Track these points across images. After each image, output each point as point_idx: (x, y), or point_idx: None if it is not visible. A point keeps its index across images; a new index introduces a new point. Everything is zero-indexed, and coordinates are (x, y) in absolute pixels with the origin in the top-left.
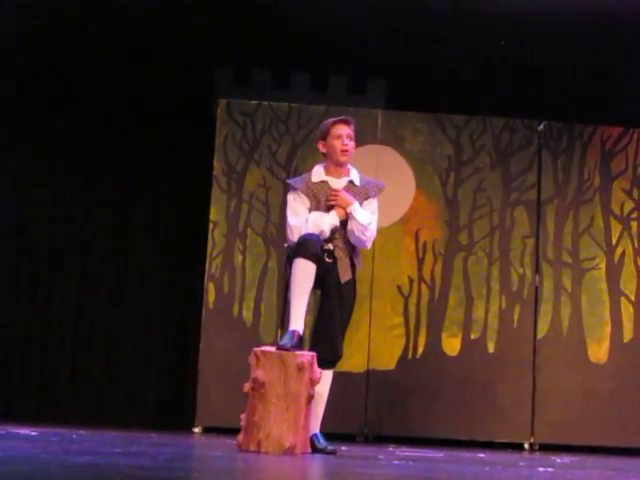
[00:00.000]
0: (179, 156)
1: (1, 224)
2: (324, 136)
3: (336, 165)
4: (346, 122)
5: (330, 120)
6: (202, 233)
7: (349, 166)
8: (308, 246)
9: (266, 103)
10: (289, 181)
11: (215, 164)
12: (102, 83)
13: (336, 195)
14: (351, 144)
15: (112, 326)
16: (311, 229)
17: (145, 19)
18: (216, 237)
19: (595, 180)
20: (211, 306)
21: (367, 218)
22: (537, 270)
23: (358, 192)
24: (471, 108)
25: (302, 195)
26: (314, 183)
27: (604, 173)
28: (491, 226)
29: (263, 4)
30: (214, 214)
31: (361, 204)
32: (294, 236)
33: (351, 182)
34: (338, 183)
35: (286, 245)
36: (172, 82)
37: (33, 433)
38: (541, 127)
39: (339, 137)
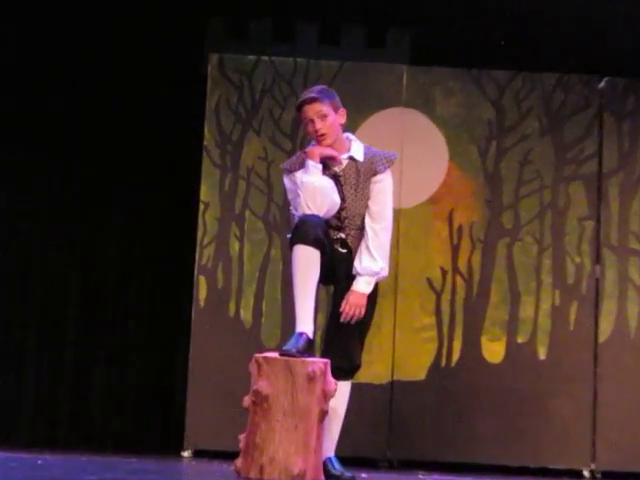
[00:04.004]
0: (162, 124)
1: None
2: (300, 121)
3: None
4: (309, 101)
5: (297, 102)
6: (191, 216)
7: (350, 137)
8: (307, 229)
9: (267, 58)
10: (283, 165)
11: (206, 133)
12: (78, 37)
13: (347, 314)
14: (326, 123)
15: (83, 328)
16: (309, 197)
17: None
18: (208, 221)
19: None
20: (202, 304)
21: (377, 262)
22: (598, 259)
23: (363, 169)
24: (516, 62)
25: (296, 175)
26: None
27: None
28: (541, 206)
29: None
30: (205, 193)
31: (368, 182)
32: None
33: (351, 158)
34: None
35: (289, 235)
36: (154, 34)
37: None
38: (602, 84)
39: (309, 122)
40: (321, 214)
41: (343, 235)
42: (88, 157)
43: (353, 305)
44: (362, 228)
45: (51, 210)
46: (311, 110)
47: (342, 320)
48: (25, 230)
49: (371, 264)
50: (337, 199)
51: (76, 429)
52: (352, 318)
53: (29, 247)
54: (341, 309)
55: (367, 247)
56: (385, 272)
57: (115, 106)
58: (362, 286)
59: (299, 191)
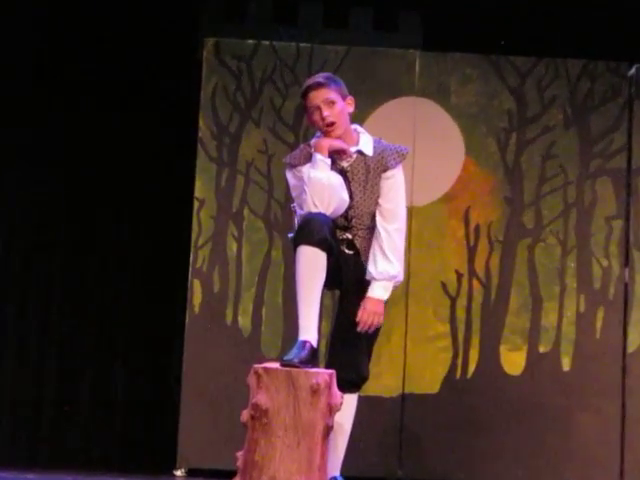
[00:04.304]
0: (152, 114)
1: None
2: (305, 110)
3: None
4: (316, 86)
5: (302, 89)
6: (184, 215)
7: (358, 129)
8: (313, 229)
9: (267, 43)
10: (285, 159)
11: (201, 124)
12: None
13: (365, 323)
14: (334, 111)
15: (66, 336)
16: (317, 195)
17: None
18: (203, 220)
19: None
20: (197, 310)
21: (391, 264)
22: (627, 262)
23: (372, 164)
24: (539, 47)
25: (300, 170)
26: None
27: None
28: (565, 204)
29: None
30: (200, 190)
31: (378, 178)
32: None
33: (360, 152)
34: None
35: (291, 235)
36: (142, 14)
37: None
38: (632, 71)
39: (315, 110)
40: (328, 213)
41: (350, 235)
42: (73, 152)
43: (371, 313)
44: (370, 228)
45: (37, 210)
46: (317, 97)
47: (359, 330)
48: (7, 230)
49: (388, 267)
50: (346, 197)
51: (59, 446)
52: (370, 327)
53: (10, 248)
54: (358, 318)
55: (381, 249)
56: (402, 276)
57: (100, 94)
58: (379, 292)
59: (305, 187)
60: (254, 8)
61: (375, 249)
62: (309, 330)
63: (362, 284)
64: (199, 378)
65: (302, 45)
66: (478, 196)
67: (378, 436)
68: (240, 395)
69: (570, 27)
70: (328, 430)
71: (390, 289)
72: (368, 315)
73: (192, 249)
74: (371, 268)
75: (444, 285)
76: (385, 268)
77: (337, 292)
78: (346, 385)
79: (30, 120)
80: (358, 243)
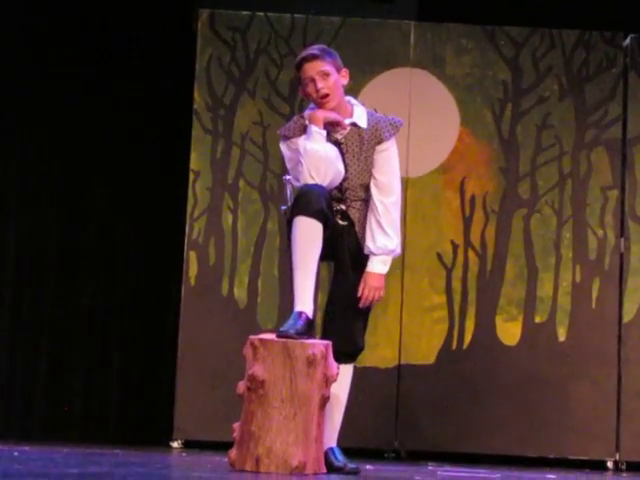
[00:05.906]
0: (147, 87)
1: None
2: (299, 82)
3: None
4: (311, 58)
5: (296, 61)
6: (180, 187)
7: (352, 101)
8: (310, 200)
9: (262, 14)
10: (280, 131)
11: (196, 96)
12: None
13: (366, 298)
14: (328, 82)
15: (61, 309)
16: (313, 166)
17: None
18: (198, 192)
19: None
20: (193, 282)
21: (389, 238)
22: (622, 232)
23: (367, 137)
24: (534, 17)
25: (295, 142)
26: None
27: None
28: (561, 174)
29: None
30: (195, 162)
31: (372, 150)
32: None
33: (354, 125)
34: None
35: (284, 208)
36: None
37: None
38: (627, 42)
39: (309, 82)
40: (325, 184)
41: (343, 207)
42: (67, 125)
43: (372, 288)
44: (364, 199)
45: (30, 186)
46: (312, 68)
47: (361, 305)
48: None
49: (386, 242)
50: (342, 168)
51: (54, 418)
52: (371, 302)
53: (3, 229)
54: (359, 294)
55: (379, 223)
56: (399, 249)
57: (94, 65)
58: (379, 266)
59: (301, 159)
60: None
61: (372, 223)
62: (305, 301)
63: (356, 255)
64: (195, 350)
65: (297, 16)
66: (474, 167)
67: (374, 407)
68: (236, 367)
69: None
70: (324, 401)
71: (389, 263)
72: (369, 290)
73: (188, 221)
74: (369, 243)
75: (440, 256)
76: (384, 242)
77: (332, 264)
78: (342, 356)
79: (26, 91)
80: (352, 214)
